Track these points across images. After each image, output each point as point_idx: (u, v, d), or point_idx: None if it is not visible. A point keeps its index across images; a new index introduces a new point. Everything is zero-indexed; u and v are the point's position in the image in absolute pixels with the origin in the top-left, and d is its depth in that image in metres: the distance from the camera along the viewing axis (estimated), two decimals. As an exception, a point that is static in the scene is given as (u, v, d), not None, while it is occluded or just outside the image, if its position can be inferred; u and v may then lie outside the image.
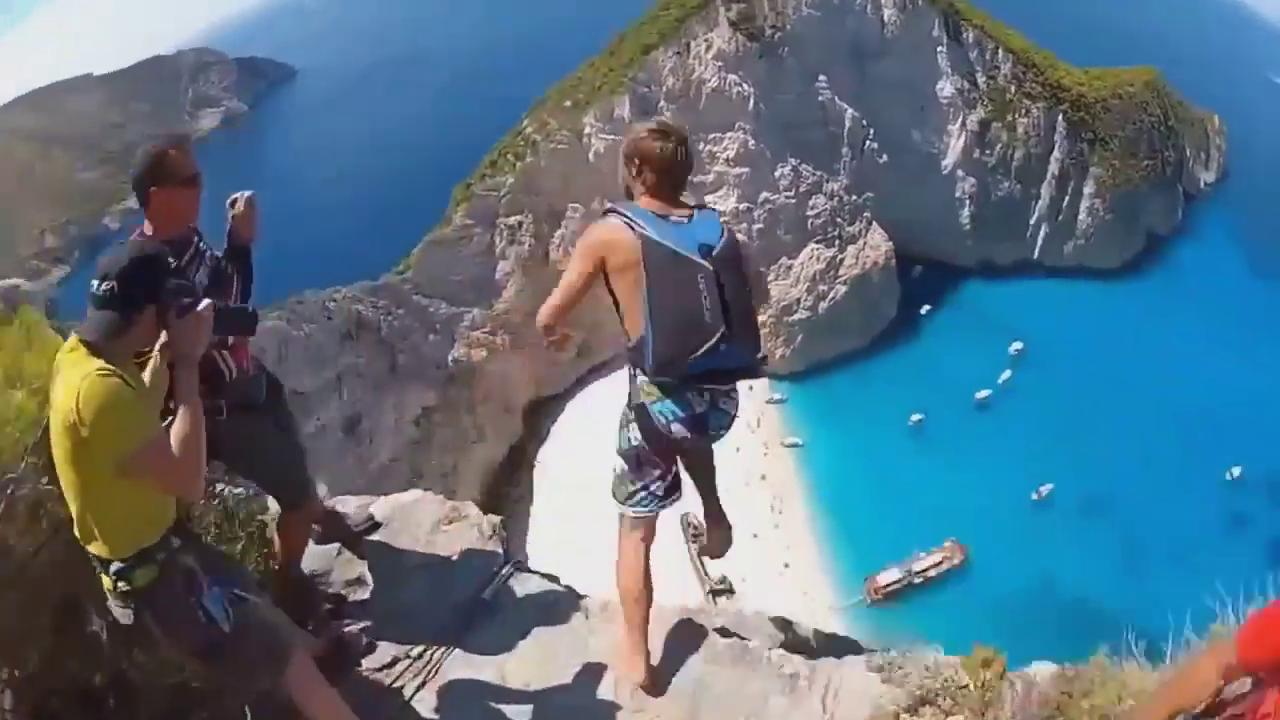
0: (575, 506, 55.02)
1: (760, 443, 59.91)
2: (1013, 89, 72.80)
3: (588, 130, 58.02)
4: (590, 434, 57.89)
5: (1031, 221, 75.08)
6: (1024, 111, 72.59)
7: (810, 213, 62.13)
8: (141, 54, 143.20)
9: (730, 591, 53.42)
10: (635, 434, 4.09)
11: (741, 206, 59.10)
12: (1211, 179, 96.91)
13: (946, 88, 69.56)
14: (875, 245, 65.26)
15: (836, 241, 63.61)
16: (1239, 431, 64.11)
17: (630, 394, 4.09)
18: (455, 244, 55.21)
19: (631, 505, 4.41)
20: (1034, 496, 59.51)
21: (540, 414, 59.79)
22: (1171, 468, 61.26)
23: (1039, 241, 76.19)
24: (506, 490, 56.31)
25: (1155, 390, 65.68)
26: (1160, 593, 54.66)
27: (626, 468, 4.28)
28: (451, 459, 51.84)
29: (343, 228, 76.88)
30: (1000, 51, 73.14)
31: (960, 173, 70.54)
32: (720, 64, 59.65)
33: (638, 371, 3.98)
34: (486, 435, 55.29)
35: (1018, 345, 66.75)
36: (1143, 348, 69.00)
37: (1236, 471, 62.33)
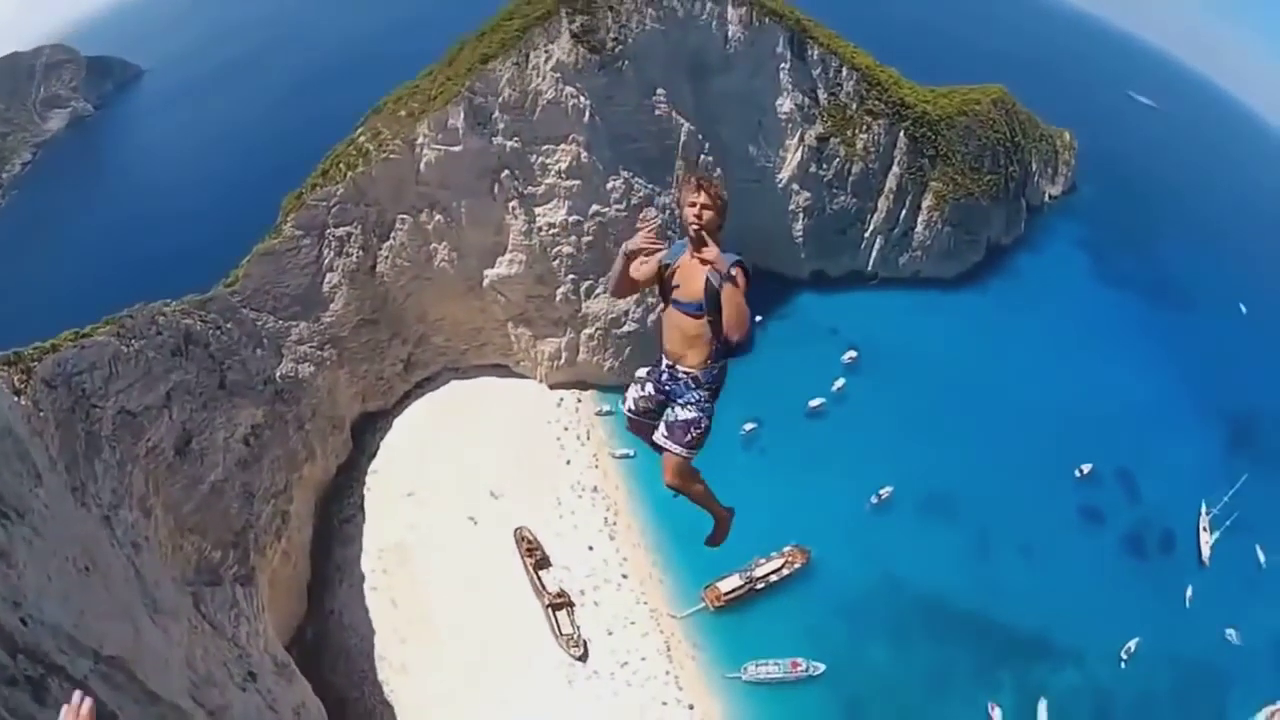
0: (404, 518, 54.93)
1: (590, 455, 61.81)
2: (854, 105, 76.60)
3: (421, 140, 58.11)
4: (417, 448, 57.84)
5: (867, 235, 78.45)
6: (864, 128, 76.03)
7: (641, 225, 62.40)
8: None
9: (570, 604, 54.67)
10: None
11: (571, 219, 60.33)
12: (1057, 192, 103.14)
13: (786, 103, 72.78)
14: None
15: (667, 253, 63.89)
16: (1088, 430, 69.22)
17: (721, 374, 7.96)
18: (283, 255, 54.55)
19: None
20: (874, 500, 62.53)
21: (368, 428, 60.23)
22: (1018, 467, 65.65)
23: (874, 253, 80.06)
24: (338, 508, 56.72)
25: (997, 393, 70.48)
26: (1010, 584, 58.40)
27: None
28: (283, 478, 51.19)
29: (179, 236, 75.21)
30: (845, 69, 76.84)
31: (795, 186, 73.60)
32: (558, 75, 60.54)
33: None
34: (316, 453, 55.37)
35: (852, 354, 70.54)
36: (983, 353, 73.35)
37: (1086, 468, 66.72)
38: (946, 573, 58.96)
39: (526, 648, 51.85)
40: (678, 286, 7.65)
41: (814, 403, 66.99)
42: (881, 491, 62.27)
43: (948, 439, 65.16)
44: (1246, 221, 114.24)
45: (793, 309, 75.17)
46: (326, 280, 55.84)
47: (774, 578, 56.80)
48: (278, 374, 52.24)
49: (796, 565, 57.38)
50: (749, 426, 63.95)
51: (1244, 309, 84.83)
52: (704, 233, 7.44)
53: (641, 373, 8.44)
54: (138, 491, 35.86)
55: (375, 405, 60.44)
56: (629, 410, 8.53)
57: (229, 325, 49.55)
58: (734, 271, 7.24)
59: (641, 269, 7.76)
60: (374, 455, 58.64)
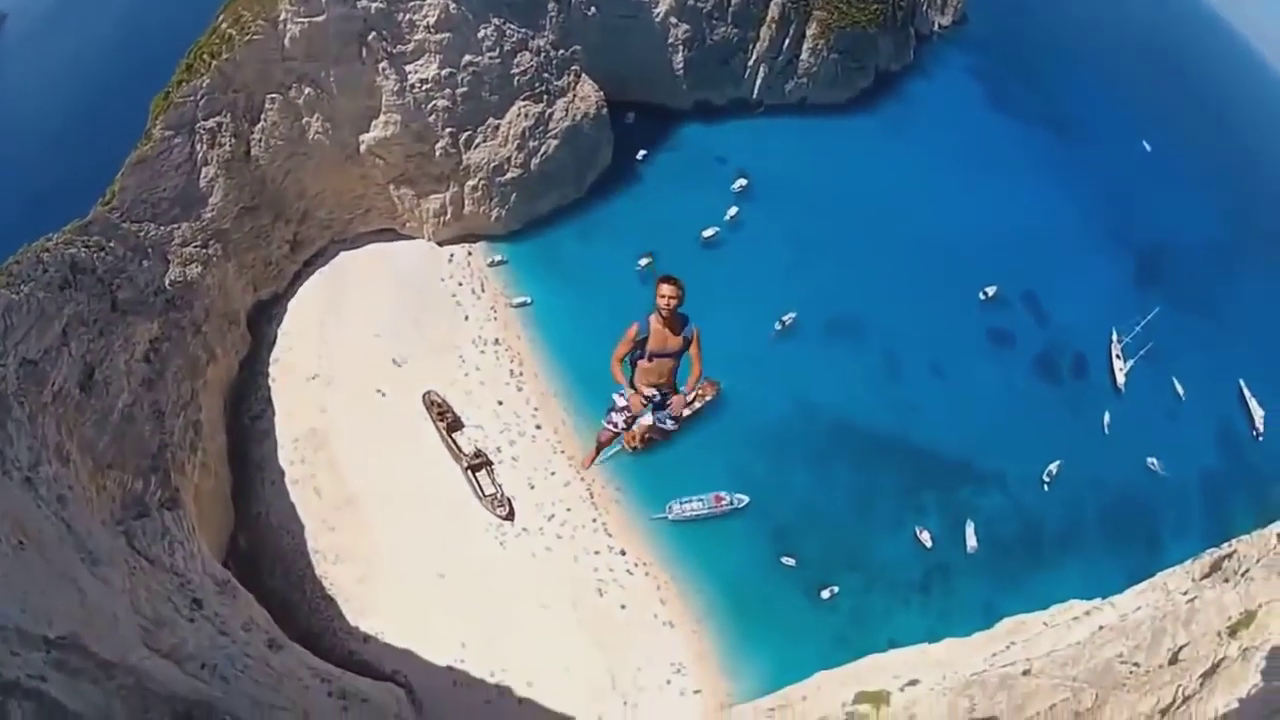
0: (313, 403, 53.32)
1: (488, 307, 60.40)
2: (734, -65, 72.04)
3: (283, 16, 54.52)
4: (315, 328, 55.90)
5: (750, 64, 76.60)
6: (744, -43, 72.08)
7: (515, 70, 61.38)
8: None
9: (488, 464, 53.71)
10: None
11: (444, 72, 57.46)
12: (947, 22, 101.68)
13: (663, -63, 68.14)
14: (585, 96, 65.30)
15: (545, 96, 63.24)
16: (989, 255, 69.07)
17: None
18: (156, 160, 51.69)
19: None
20: (777, 327, 62.41)
21: (264, 318, 57.83)
22: (920, 290, 66.27)
23: (758, 82, 78.27)
24: (246, 407, 54.73)
25: (895, 217, 70.00)
26: (925, 406, 58.98)
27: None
28: (188, 387, 49.08)
29: (54, 170, 69.23)
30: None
31: (674, 20, 70.86)
32: (418, -72, 55.89)
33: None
34: (216, 354, 53.00)
35: (742, 182, 69.11)
36: (878, 177, 72.74)
37: (991, 290, 67.08)
38: (859, 397, 59.78)
39: (454, 515, 51.36)
40: (650, 345, 14.77)
41: (707, 232, 65.84)
42: (785, 318, 62.15)
43: (847, 263, 64.97)
44: (1150, 63, 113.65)
45: (678, 141, 73.14)
46: (203, 175, 52.68)
47: (687, 412, 55.71)
48: (167, 281, 49.29)
49: (707, 398, 57.09)
50: (644, 260, 62.86)
51: (1148, 147, 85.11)
52: (674, 311, 14.28)
53: (639, 406, 15.59)
54: (52, 441, 33.74)
55: (268, 292, 57.68)
56: (621, 426, 16.28)
57: (112, 244, 46.22)
58: (695, 332, 14.72)
59: (624, 348, 14.94)
60: (273, 344, 56.17)
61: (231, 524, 50.38)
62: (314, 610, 48.39)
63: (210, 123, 52.95)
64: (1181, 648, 25.53)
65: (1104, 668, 26.08)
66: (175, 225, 51.19)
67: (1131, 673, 25.72)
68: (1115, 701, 25.05)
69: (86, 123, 79.14)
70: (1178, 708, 24.61)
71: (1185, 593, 28.46)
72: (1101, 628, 29.23)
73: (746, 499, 53.55)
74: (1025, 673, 27.72)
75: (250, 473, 52.26)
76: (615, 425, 16.26)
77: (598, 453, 18.70)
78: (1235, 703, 23.56)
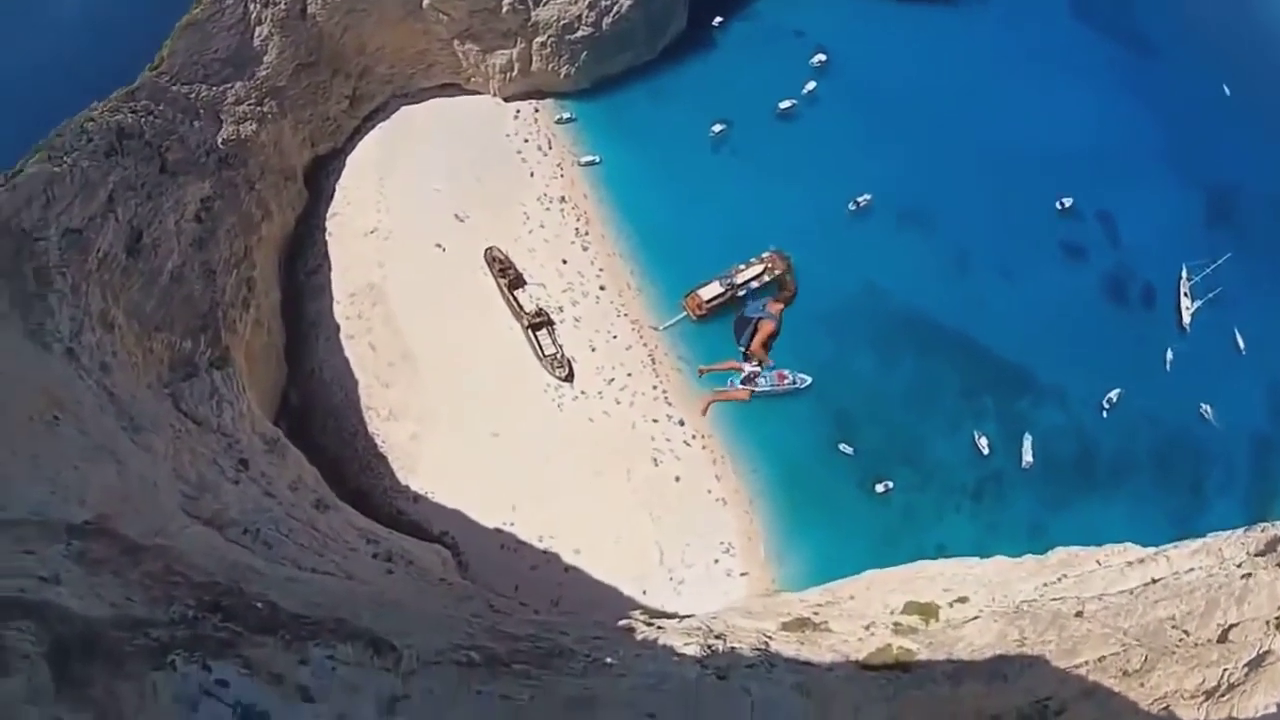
0: (370, 257, 52.11)
1: (554, 164, 58.27)
2: None
3: None
4: (374, 182, 54.43)
5: (835, -61, 71.36)
6: None
7: (587, -76, 57.52)
8: None
9: (550, 323, 52.53)
10: None
11: (519, -72, 53.62)
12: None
13: None
14: (661, -46, 61.58)
15: (620, -48, 59.46)
16: (1069, 164, 65.99)
17: None
18: (207, 23, 49.99)
19: None
20: (851, 207, 59.78)
21: (321, 173, 56.30)
22: (997, 188, 62.13)
23: None
24: (302, 262, 53.65)
25: (976, 113, 66.53)
26: (993, 307, 56.91)
27: None
28: (241, 244, 48.18)
29: (92, 42, 66.93)
30: None
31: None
32: None
33: None
34: (271, 210, 51.91)
35: (821, 57, 65.32)
36: (959, 71, 68.99)
37: (1068, 202, 63.69)
38: (928, 289, 57.29)
39: (511, 374, 50.32)
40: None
41: (784, 104, 62.51)
42: (860, 198, 59.48)
43: (925, 152, 61.59)
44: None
45: (754, 11, 68.75)
46: (256, 35, 50.79)
47: (755, 284, 54.22)
48: (219, 140, 48.07)
49: (777, 272, 54.71)
50: (718, 127, 60.20)
51: (1228, 91, 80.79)
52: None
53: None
54: (96, 308, 33.31)
55: (326, 147, 55.96)
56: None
57: (161, 107, 45.12)
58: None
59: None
60: (331, 199, 54.71)
61: (284, 381, 49.87)
62: (364, 468, 48.00)
63: (264, -17, 51.08)
64: (1232, 626, 24.13)
65: (1155, 628, 24.68)
66: (228, 85, 49.71)
67: (1181, 641, 24.26)
68: (1163, 669, 23.48)
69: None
70: (1222, 694, 23.11)
71: (1240, 565, 26.93)
72: (1154, 580, 27.87)
73: (810, 380, 51.68)
74: (1078, 614, 26.45)
75: (304, 329, 51.49)
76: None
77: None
78: (1274, 706, 22.23)
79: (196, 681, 12.74)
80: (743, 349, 18.58)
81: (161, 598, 17.14)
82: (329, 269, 52.84)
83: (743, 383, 19.54)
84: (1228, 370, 59.52)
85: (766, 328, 17.99)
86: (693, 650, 24.37)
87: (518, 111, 59.82)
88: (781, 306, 18.03)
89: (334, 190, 55.18)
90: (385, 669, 16.54)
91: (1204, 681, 23.05)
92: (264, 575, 24.02)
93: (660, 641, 25.75)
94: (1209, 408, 57.33)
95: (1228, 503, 53.98)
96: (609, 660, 22.72)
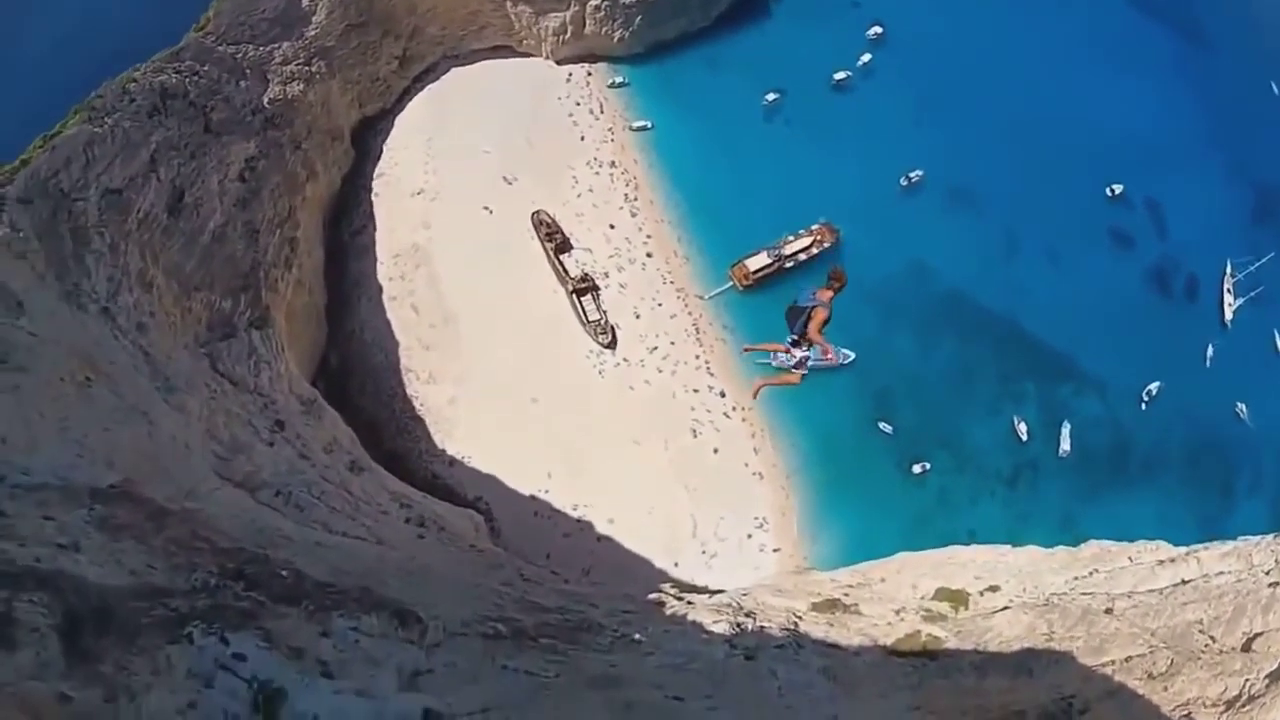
0: (416, 218, 51.99)
1: (605, 129, 57.77)
2: None
3: None
4: (422, 143, 54.23)
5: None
6: None
7: (646, -107, 56.83)
8: None
9: (595, 288, 52.41)
10: None
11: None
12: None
13: None
14: (717, -78, 60.88)
15: (675, -80, 58.95)
16: (1121, 151, 64.14)
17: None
18: None
19: None
20: (903, 182, 59.02)
21: (369, 134, 56.09)
22: (1049, 171, 61.07)
23: None
24: (347, 223, 53.58)
25: (1032, 93, 65.08)
26: (1039, 292, 56.33)
27: None
28: (285, 203, 48.24)
29: (137, 5, 66.44)
30: None
31: None
32: None
33: None
34: (317, 170, 51.71)
35: (877, 29, 64.27)
36: (1017, 50, 67.63)
37: (1118, 189, 62.63)
38: (975, 269, 56.63)
39: (553, 340, 50.19)
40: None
41: (839, 76, 61.61)
42: (912, 174, 58.62)
43: (978, 132, 60.61)
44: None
45: None
46: None
47: (803, 256, 53.86)
48: (265, 100, 47.75)
49: (826, 245, 54.34)
50: (771, 97, 59.40)
51: (1277, 90, 79.24)
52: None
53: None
54: (135, 268, 33.32)
55: (374, 108, 55.73)
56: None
57: (206, 68, 44.73)
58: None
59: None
60: (378, 159, 54.57)
61: (324, 341, 49.92)
62: (401, 430, 48.10)
63: (313, -56, 50.55)
64: (1257, 635, 23.47)
65: (1183, 631, 24.09)
66: (276, 45, 49.33)
67: (1207, 647, 23.69)
68: (1188, 674, 22.92)
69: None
70: (1242, 705, 22.58)
71: (1269, 572, 26.32)
72: (1184, 582, 27.18)
73: (853, 355, 51.03)
74: (1107, 611, 25.94)
75: (347, 289, 51.47)
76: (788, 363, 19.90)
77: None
78: (1289, 723, 21.72)
79: (213, 655, 12.09)
80: (796, 336, 18.74)
81: (184, 565, 16.80)
82: (374, 229, 52.73)
83: (795, 366, 19.57)
84: (1266, 371, 58.43)
85: (819, 315, 17.94)
86: (722, 628, 24.14)
87: (570, 75, 59.19)
88: (832, 294, 17.93)
89: (381, 151, 54.95)
90: (409, 641, 16.19)
91: (1225, 690, 22.62)
92: (292, 541, 23.91)
93: (690, 618, 25.52)
94: (1244, 407, 56.35)
95: (1255, 505, 53.23)
96: (637, 637, 22.43)
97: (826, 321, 18.37)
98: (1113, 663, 23.72)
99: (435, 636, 16.76)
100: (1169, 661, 23.24)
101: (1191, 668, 23.09)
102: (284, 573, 18.67)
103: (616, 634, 22.48)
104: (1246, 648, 23.54)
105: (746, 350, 26.15)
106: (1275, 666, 22.87)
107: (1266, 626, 23.87)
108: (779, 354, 19.96)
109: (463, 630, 18.14)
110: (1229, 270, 61.01)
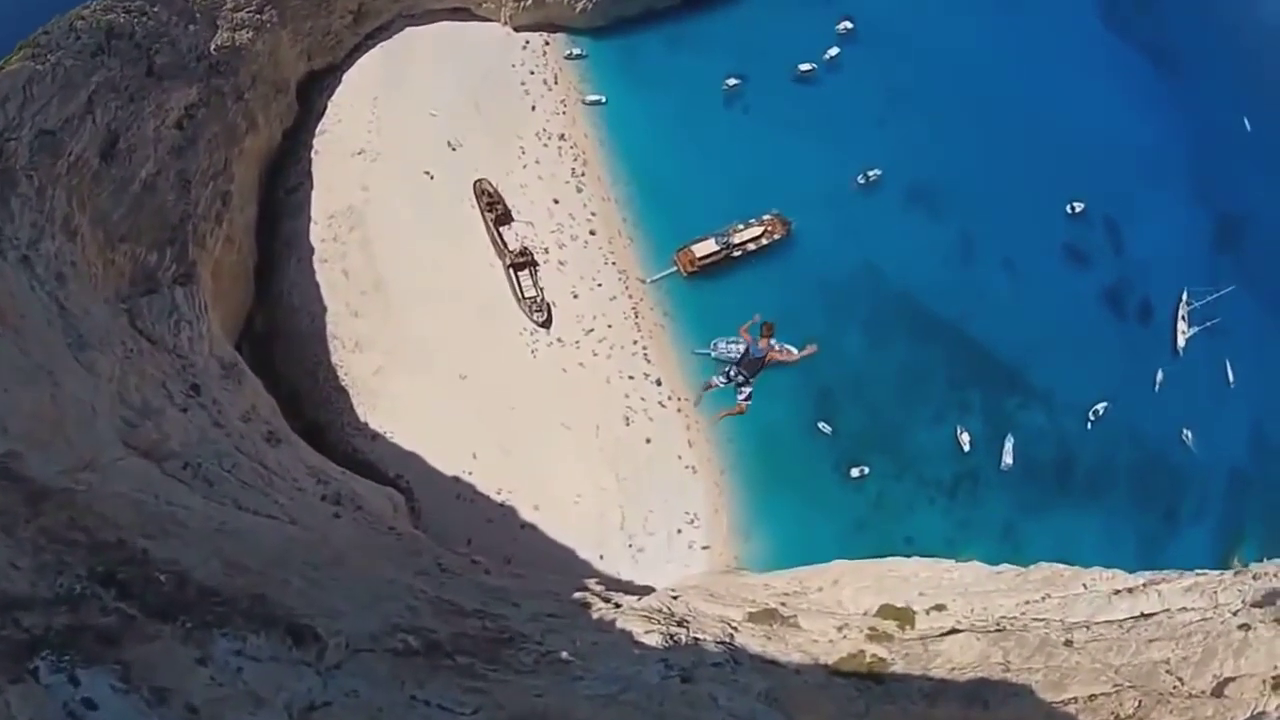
0: (355, 179, 49.61)
1: (558, 100, 55.74)
2: None
3: None
4: (368, 102, 51.99)
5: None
6: None
7: None
8: None
9: (533, 264, 50.26)
10: None
11: None
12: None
13: None
14: (688, -100, 58.76)
15: (646, -107, 56.92)
16: (1085, 167, 63.08)
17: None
18: None
19: None
20: (860, 180, 57.78)
21: (315, 89, 53.65)
22: (1011, 181, 60.29)
23: None
24: (283, 179, 50.98)
25: (999, 100, 63.66)
26: (991, 300, 55.35)
27: None
28: (221, 155, 45.78)
29: None
30: None
31: None
32: None
33: None
34: (258, 122, 49.28)
35: (846, 24, 62.93)
36: (987, 57, 66.60)
37: (1079, 206, 62.04)
38: (928, 274, 55.52)
39: (486, 314, 48.14)
40: None
41: (804, 67, 60.08)
42: (870, 172, 57.35)
43: (941, 134, 59.42)
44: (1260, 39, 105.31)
45: None
46: None
47: (752, 246, 52.37)
48: (212, 46, 45.44)
49: (776, 236, 52.90)
50: (732, 82, 57.84)
51: (1248, 126, 79.29)
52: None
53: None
54: (60, 214, 31.42)
55: (323, 63, 53.16)
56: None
57: (156, 9, 42.56)
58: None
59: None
60: (322, 115, 52.03)
61: (250, 303, 47.28)
62: (324, 401, 45.73)
63: (269, -111, 48.12)
64: (1229, 680, 22.39)
65: (1149, 670, 22.94)
66: None
67: (1175, 688, 22.51)
68: (1157, 718, 21.70)
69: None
70: None
71: (1236, 613, 25.26)
72: (1145, 615, 26.38)
73: (797, 352, 49.82)
74: (1067, 643, 24.74)
75: (278, 249, 48.87)
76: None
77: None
78: (1265, 771, 20.51)
79: (61, 699, 9.70)
80: (747, 375, 21.62)
81: (52, 564, 14.16)
82: (310, 188, 50.16)
83: (744, 399, 22.02)
84: (1215, 401, 58.26)
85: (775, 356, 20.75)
86: (654, 640, 22.42)
87: (527, 42, 57.07)
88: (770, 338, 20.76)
89: (326, 107, 52.42)
90: (304, 663, 13.82)
91: (1196, 736, 21.41)
92: (187, 528, 21.47)
93: (619, 625, 23.88)
94: (1191, 434, 56.16)
95: (1198, 533, 53.09)
96: (565, 655, 20.43)
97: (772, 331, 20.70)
98: (1075, 700, 22.21)
99: (336, 656, 14.46)
100: (1136, 703, 21.75)
101: (1161, 711, 21.67)
102: (163, 577, 15.99)
103: (541, 649, 20.38)
104: (1218, 692, 22.25)
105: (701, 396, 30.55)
106: (1249, 714, 21.69)
107: (1239, 671, 22.66)
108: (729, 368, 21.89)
109: (369, 646, 15.87)
110: (1185, 298, 60.62)
